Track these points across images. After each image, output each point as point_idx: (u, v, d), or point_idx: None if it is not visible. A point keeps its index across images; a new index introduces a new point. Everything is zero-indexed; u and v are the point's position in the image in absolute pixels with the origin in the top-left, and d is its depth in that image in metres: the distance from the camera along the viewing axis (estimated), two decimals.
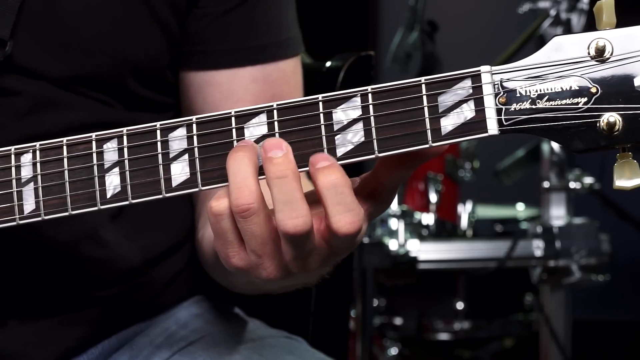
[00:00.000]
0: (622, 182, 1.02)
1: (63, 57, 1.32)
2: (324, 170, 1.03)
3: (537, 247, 2.83)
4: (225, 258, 1.09)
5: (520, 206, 3.50)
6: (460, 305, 3.10)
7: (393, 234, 2.85)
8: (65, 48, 1.31)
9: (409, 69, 3.33)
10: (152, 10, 1.35)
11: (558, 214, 2.87)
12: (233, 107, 1.37)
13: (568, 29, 2.81)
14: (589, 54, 1.01)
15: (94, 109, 1.35)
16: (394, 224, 2.87)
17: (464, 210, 3.17)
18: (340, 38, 4.44)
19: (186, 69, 1.42)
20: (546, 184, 2.87)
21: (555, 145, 2.82)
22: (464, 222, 3.16)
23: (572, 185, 2.86)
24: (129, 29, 1.34)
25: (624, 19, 1.03)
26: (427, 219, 3.03)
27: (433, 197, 3.10)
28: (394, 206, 2.95)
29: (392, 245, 2.82)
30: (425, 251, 2.85)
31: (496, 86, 1.02)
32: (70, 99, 1.34)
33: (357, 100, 1.05)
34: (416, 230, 2.91)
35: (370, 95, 1.05)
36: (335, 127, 1.05)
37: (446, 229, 3.10)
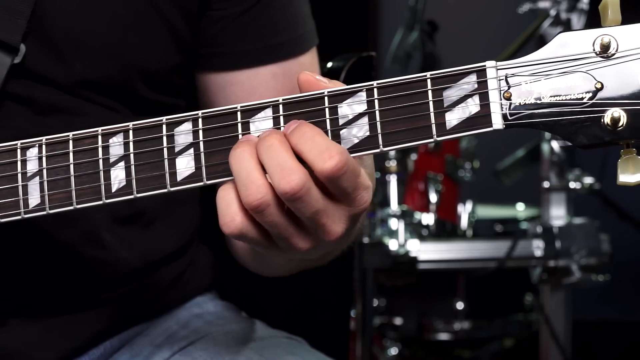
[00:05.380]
0: (626, 177, 1.02)
1: (71, 62, 1.32)
2: (291, 130, 1.03)
3: (537, 247, 2.82)
4: (262, 255, 1.14)
5: (520, 206, 3.49)
6: (460, 305, 3.10)
7: (393, 234, 2.85)
8: (72, 53, 1.31)
9: (409, 69, 3.33)
10: (161, 14, 1.35)
11: (558, 214, 2.86)
12: None
13: (568, 29, 2.79)
14: (594, 50, 1.02)
15: (100, 115, 1.35)
16: (394, 224, 2.87)
17: (464, 210, 3.17)
18: (341, 38, 4.43)
19: (206, 70, 1.42)
20: (546, 184, 2.86)
21: (556, 145, 2.82)
22: (464, 222, 3.16)
23: (572, 185, 2.85)
24: (136, 33, 1.34)
25: (629, 17, 1.04)
26: (427, 219, 3.03)
27: (433, 197, 3.10)
28: (394, 206, 2.96)
29: (392, 245, 2.81)
30: (425, 251, 2.84)
31: (501, 81, 1.03)
32: (76, 105, 1.34)
33: (363, 95, 1.05)
34: (416, 230, 2.90)
35: (375, 90, 1.05)
36: (341, 122, 1.06)
37: (446, 229, 3.09)
